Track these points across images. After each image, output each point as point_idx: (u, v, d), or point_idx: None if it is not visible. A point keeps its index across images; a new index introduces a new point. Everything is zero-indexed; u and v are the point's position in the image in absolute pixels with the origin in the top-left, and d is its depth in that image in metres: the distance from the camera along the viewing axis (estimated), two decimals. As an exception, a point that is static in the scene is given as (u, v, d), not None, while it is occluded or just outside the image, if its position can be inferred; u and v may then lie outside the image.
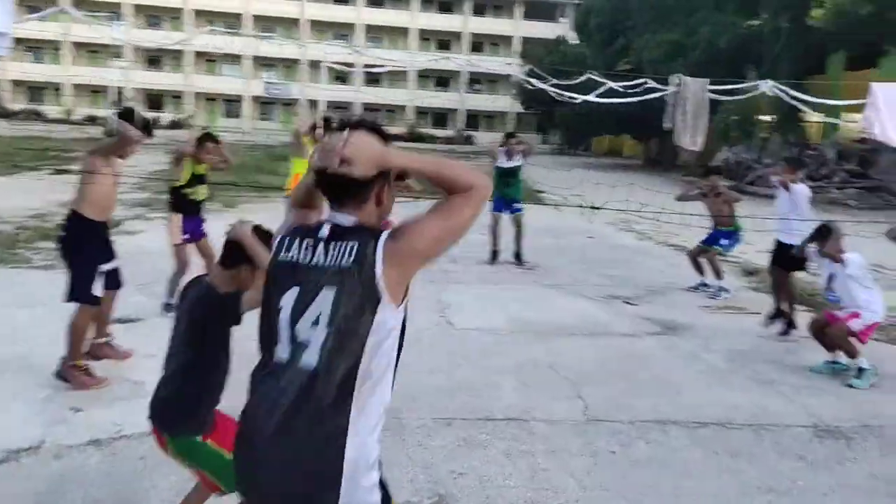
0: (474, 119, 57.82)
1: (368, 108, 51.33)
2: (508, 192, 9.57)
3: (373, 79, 46.37)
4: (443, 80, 57.05)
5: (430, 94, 54.29)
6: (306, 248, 1.79)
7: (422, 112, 56.98)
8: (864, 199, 20.81)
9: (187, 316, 2.71)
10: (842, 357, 5.52)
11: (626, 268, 9.54)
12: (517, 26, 56.59)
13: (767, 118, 27.80)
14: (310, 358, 1.73)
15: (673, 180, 22.00)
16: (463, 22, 56.65)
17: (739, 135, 27.33)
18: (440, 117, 57.89)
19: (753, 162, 23.93)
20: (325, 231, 1.80)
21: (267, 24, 53.95)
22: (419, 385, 4.83)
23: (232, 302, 2.64)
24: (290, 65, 52.19)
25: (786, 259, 6.56)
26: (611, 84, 8.52)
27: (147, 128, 5.09)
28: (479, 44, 57.21)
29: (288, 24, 53.39)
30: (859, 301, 5.47)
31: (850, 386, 5.23)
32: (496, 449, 3.99)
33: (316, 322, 1.73)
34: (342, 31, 54.98)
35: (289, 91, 51.69)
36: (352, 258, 1.73)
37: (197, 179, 6.24)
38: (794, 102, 12.29)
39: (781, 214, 6.75)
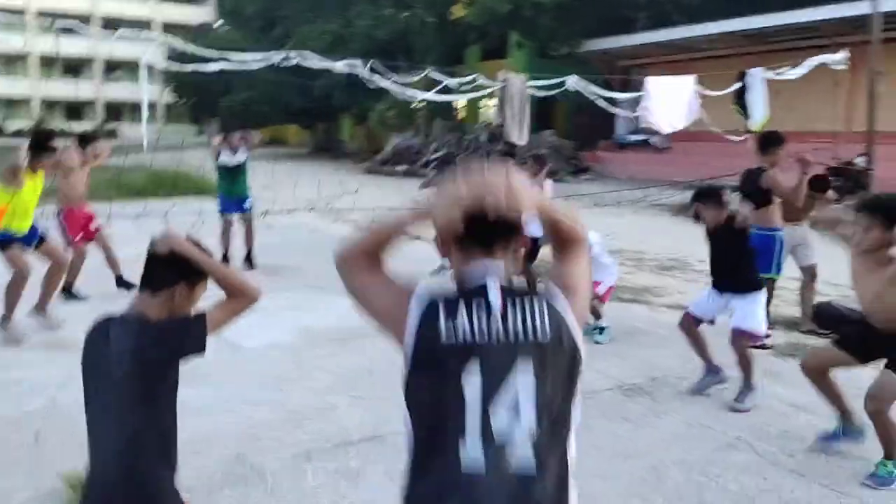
0: (116, 110, 52.66)
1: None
2: (235, 189, 8.98)
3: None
4: (72, 67, 50.89)
5: (59, 83, 48.12)
6: (479, 320, 1.43)
7: (50, 104, 50.21)
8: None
9: (129, 366, 2.06)
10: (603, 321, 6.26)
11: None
12: (156, 9, 52.70)
13: (421, 105, 30.13)
14: (519, 458, 1.40)
15: (350, 167, 22.71)
16: (92, 3, 50.96)
17: (401, 122, 29.14)
18: (74, 110, 51.61)
19: (422, 147, 25.59)
20: (495, 294, 1.46)
21: None
22: (253, 422, 4.35)
23: (197, 328, 2.11)
24: None
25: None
26: (447, 81, 8.35)
27: None
28: (114, 29, 52.08)
29: None
30: (600, 272, 6.25)
31: (597, 342, 5.92)
32: (376, 472, 3.76)
33: (515, 411, 1.40)
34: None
35: None
36: (547, 326, 1.44)
37: None
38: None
39: None
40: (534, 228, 1.59)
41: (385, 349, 5.70)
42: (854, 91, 18.45)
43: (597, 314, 6.11)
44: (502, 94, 7.87)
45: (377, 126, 31.18)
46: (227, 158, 8.89)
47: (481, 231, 1.48)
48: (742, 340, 4.80)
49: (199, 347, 2.12)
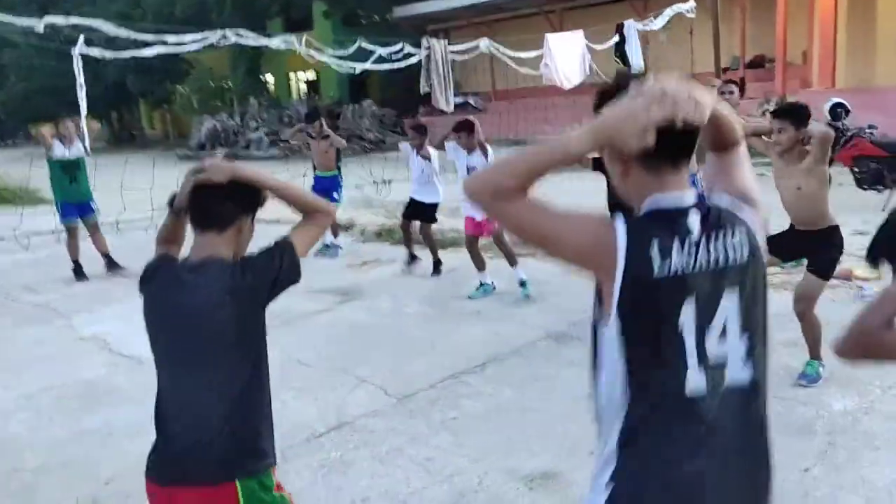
0: None
1: None
2: (76, 190, 7.98)
3: None
4: None
5: None
6: (684, 247, 1.38)
7: None
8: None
9: (226, 312, 1.85)
10: (487, 277, 6.44)
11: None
12: None
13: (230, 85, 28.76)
14: (736, 374, 1.42)
15: (160, 155, 21.17)
16: None
17: (215, 103, 27.68)
18: None
19: (239, 127, 24.51)
20: (695, 218, 1.41)
21: None
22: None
23: (290, 255, 1.91)
24: None
25: (422, 214, 7.24)
26: (381, 51, 7.68)
27: None
28: None
29: None
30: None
31: (527, 297, 6.15)
32: (361, 458, 3.68)
33: (723, 334, 1.41)
34: None
35: None
36: (744, 244, 1.43)
37: None
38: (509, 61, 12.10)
39: (416, 177, 7.27)
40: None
41: (302, 336, 5.61)
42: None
43: (513, 260, 6.27)
44: (427, 61, 7.73)
45: (184, 109, 29.36)
46: (63, 151, 7.84)
47: (672, 146, 1.40)
48: None
49: (297, 276, 1.93)
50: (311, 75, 31.66)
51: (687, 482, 1.41)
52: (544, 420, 3.99)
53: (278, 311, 6.06)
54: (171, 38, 7.00)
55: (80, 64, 8.80)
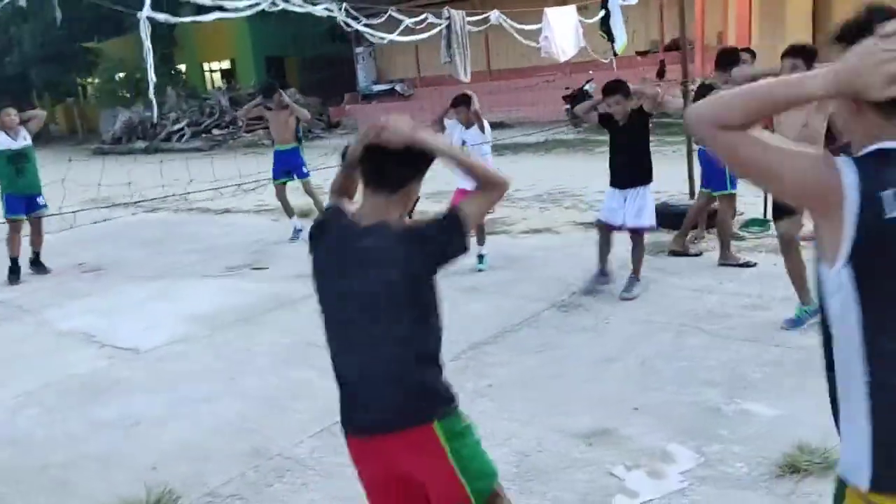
0: None
1: None
2: (23, 183, 7.52)
3: None
4: None
5: None
6: None
7: None
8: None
9: (401, 274, 1.88)
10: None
11: (201, 240, 8.82)
12: None
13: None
14: None
15: (71, 150, 20.16)
16: None
17: (125, 94, 26.52)
18: None
19: (161, 119, 23.56)
20: None
21: None
22: (243, 412, 3.99)
23: (460, 227, 1.91)
24: None
25: None
26: (408, 21, 7.23)
27: None
28: None
29: None
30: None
31: (480, 270, 6.29)
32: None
33: None
34: None
35: None
36: None
37: None
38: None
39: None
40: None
41: (307, 319, 5.54)
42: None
43: (482, 238, 6.37)
44: (447, 31, 7.60)
45: (100, 101, 27.95)
46: (7, 141, 7.38)
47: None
48: (637, 237, 5.44)
49: (465, 248, 1.93)
50: (225, 64, 30.74)
51: None
52: (573, 384, 4.10)
53: (277, 296, 5.99)
54: (227, 4, 6.60)
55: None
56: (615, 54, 9.92)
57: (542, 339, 4.78)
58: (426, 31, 7.90)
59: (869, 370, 1.35)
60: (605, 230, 5.54)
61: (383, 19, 8.33)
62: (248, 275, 6.98)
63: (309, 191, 8.25)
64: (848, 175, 1.34)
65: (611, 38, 9.32)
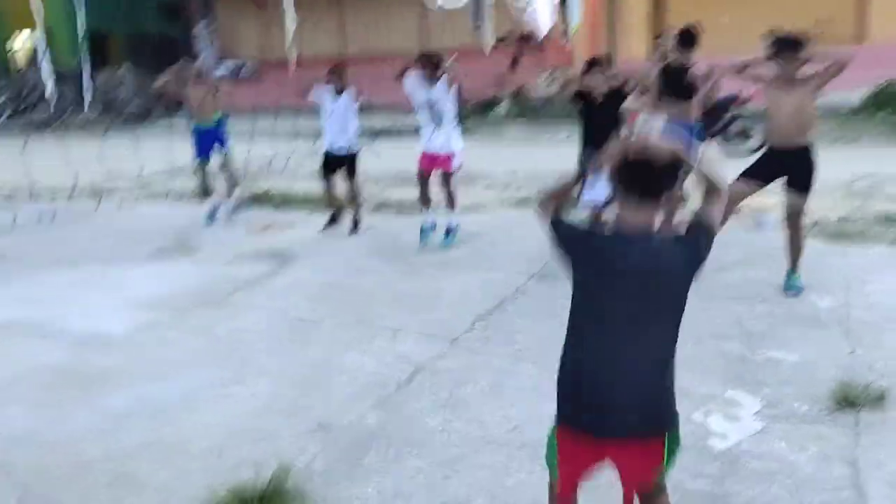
0: None
1: None
2: None
3: None
4: None
5: None
6: None
7: None
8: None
9: (671, 285, 1.99)
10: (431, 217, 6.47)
11: (102, 226, 7.99)
12: None
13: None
14: None
15: None
16: None
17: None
18: None
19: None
20: None
21: None
22: (273, 396, 3.76)
23: (710, 237, 2.02)
24: None
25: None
26: None
27: None
28: None
29: None
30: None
31: (444, 248, 6.33)
32: (469, 392, 3.68)
33: None
34: None
35: None
36: None
37: None
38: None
39: (424, 118, 6.48)
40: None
41: (277, 300, 5.38)
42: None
43: (454, 203, 6.41)
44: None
45: None
46: None
47: None
48: (594, 210, 5.56)
49: (707, 257, 2.01)
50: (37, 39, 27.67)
51: None
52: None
53: (230, 278, 5.63)
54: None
55: None
56: (566, 35, 10.18)
57: (543, 306, 4.86)
58: None
59: None
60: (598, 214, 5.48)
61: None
62: (181, 259, 6.46)
63: (228, 165, 7.82)
64: None
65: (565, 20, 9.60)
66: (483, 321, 4.66)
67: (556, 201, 2.16)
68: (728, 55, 6.03)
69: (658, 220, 2.01)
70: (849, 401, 3.41)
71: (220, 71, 24.23)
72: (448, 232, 6.42)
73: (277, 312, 4.98)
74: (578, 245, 2.07)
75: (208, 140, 7.74)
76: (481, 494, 2.86)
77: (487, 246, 6.40)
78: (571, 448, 2.10)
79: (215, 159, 7.90)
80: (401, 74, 6.38)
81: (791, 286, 4.91)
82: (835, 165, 8.45)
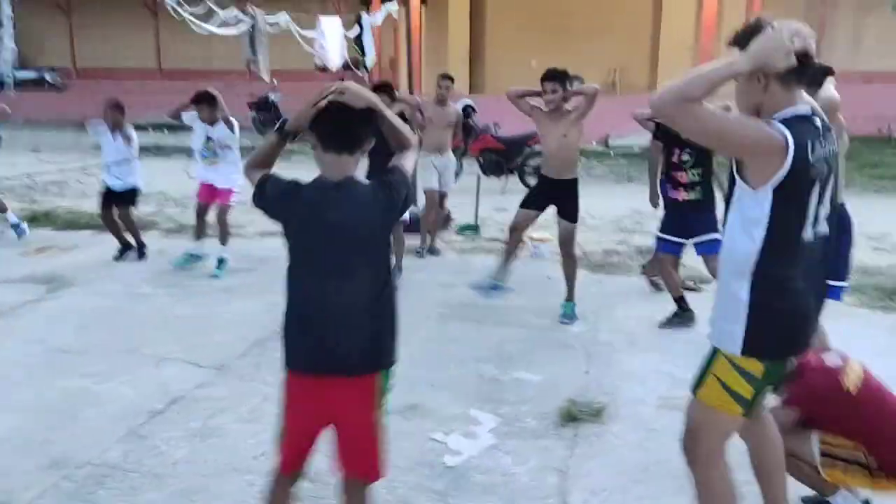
0: None
1: None
2: None
3: None
4: None
5: None
6: (818, 144, 2.01)
7: None
8: None
9: (375, 228, 2.17)
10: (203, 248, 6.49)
11: None
12: None
13: None
14: (823, 227, 2.14)
15: None
16: None
17: None
18: None
19: None
20: (819, 121, 2.06)
21: None
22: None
23: (407, 182, 2.23)
24: None
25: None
26: (223, 14, 5.41)
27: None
28: None
29: None
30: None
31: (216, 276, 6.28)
32: (226, 420, 3.70)
33: (821, 202, 2.09)
34: None
35: None
36: (836, 139, 2.15)
37: None
38: None
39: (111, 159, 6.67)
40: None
41: (38, 327, 5.10)
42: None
43: (226, 238, 6.43)
44: (252, 30, 6.63)
45: None
46: None
47: (802, 68, 2.00)
48: None
49: (414, 201, 2.24)
50: None
51: (802, 288, 2.16)
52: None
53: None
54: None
55: None
56: (366, 67, 10.45)
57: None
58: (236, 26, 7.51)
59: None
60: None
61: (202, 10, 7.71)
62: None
63: None
64: (786, 131, 1.98)
65: (363, 52, 9.78)
66: (260, 346, 4.69)
67: (263, 167, 2.26)
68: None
69: (355, 168, 2.16)
70: (572, 416, 3.80)
71: (21, 76, 22.52)
72: (221, 262, 6.36)
73: (36, 342, 4.72)
74: (287, 198, 2.16)
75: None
76: (214, 522, 2.89)
77: (274, 271, 6.39)
78: (296, 393, 2.20)
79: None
80: (176, 115, 6.35)
81: (565, 315, 5.29)
82: (614, 201, 9.37)
